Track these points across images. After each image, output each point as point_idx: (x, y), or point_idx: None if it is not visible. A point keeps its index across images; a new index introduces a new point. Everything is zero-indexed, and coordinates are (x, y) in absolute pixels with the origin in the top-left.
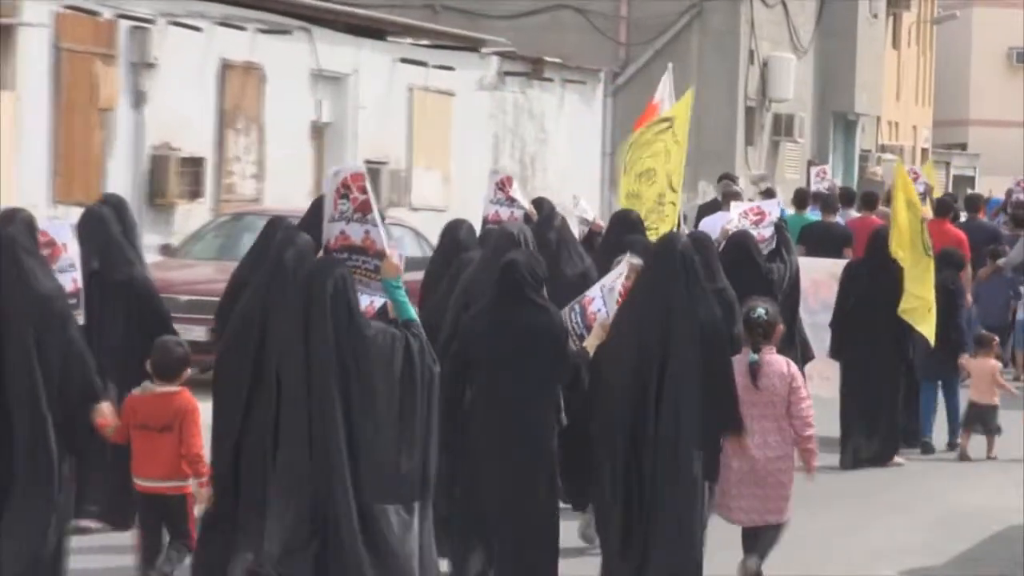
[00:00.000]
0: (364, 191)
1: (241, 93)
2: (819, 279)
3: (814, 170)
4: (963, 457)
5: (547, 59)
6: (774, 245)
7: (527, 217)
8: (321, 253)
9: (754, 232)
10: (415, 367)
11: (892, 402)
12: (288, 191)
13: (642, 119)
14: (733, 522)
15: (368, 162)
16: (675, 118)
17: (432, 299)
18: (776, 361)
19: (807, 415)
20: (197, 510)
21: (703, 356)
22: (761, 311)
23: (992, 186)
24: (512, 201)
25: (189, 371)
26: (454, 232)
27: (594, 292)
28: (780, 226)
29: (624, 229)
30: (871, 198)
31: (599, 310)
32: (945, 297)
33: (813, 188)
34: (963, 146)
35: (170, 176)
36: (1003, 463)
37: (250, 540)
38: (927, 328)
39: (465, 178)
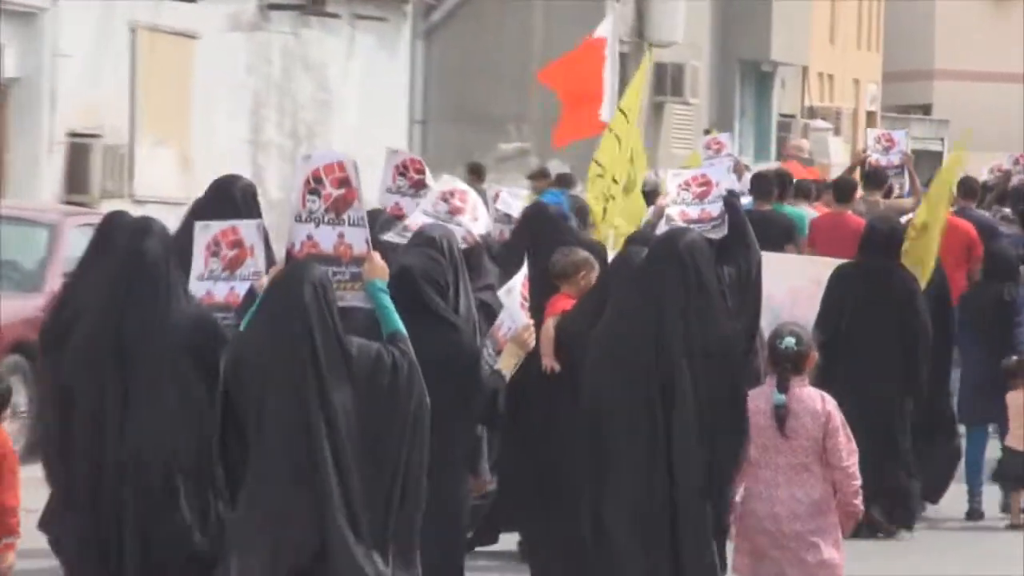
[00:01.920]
0: (341, 184)
1: None
2: (799, 286)
3: (703, 140)
4: (1015, 525)
5: None
6: (725, 229)
7: None
8: (284, 260)
9: (696, 209)
10: (398, 396)
11: (901, 450)
12: None
13: (575, 57)
14: None
15: (73, 134)
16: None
17: None
18: (808, 396)
19: (850, 465)
20: None
21: (709, 388)
22: (791, 340)
23: (967, 163)
24: (419, 188)
25: (9, 411)
26: None
27: (501, 318)
28: (732, 202)
29: (538, 227)
30: (848, 187)
31: (508, 329)
32: (998, 313)
33: None
34: (925, 108)
35: None
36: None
37: None
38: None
39: (211, 156)
